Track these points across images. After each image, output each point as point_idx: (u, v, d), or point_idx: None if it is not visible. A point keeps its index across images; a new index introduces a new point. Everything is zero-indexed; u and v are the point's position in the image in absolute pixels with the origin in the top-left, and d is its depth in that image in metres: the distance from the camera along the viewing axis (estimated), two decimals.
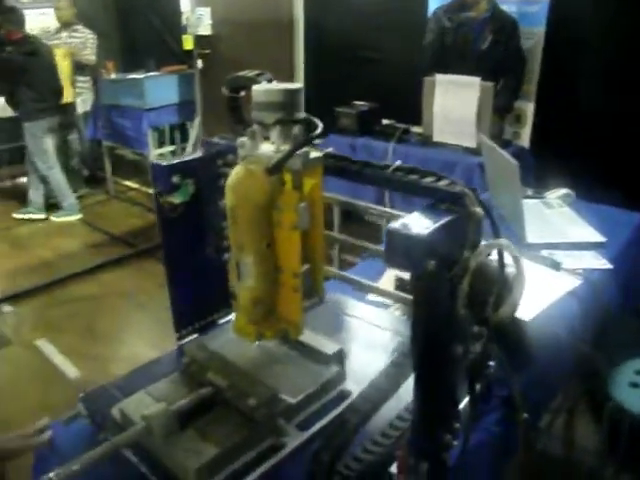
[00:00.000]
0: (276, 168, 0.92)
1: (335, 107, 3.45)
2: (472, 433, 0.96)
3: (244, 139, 1.00)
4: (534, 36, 3.50)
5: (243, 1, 4.38)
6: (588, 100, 3.25)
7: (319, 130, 0.93)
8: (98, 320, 3.43)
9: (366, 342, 1.22)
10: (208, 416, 0.96)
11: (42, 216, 4.69)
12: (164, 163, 1.17)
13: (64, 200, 4.68)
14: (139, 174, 5.43)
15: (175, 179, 1.18)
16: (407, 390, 0.90)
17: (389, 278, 1.70)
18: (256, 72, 1.09)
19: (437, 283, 0.79)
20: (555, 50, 3.43)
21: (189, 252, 1.27)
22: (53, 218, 4.69)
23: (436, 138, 3.24)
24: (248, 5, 4.31)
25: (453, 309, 0.85)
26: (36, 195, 4.69)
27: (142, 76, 4.78)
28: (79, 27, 4.95)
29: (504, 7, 3.37)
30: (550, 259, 1.63)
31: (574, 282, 1.51)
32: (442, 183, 0.91)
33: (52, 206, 4.87)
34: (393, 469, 0.91)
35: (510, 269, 0.88)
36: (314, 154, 0.98)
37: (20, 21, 4.41)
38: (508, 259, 0.89)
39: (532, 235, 1.80)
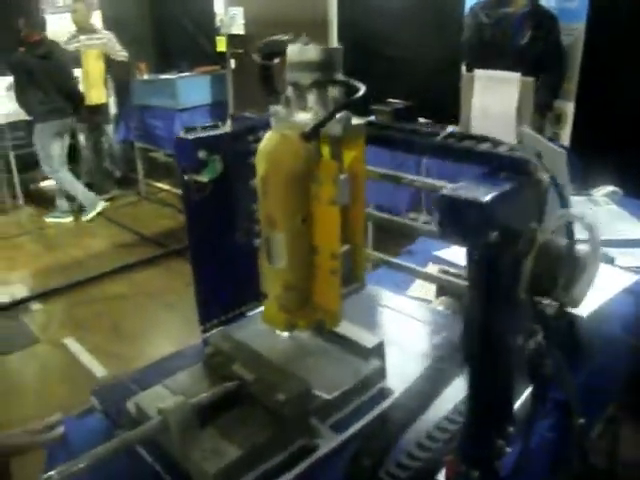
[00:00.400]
0: (313, 132, 0.81)
1: (370, 105, 3.33)
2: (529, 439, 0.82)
3: (277, 107, 0.88)
4: (574, 32, 3.32)
5: (276, 1, 4.31)
6: (630, 97, 3.05)
7: (361, 92, 0.81)
8: (126, 319, 3.36)
9: (407, 337, 1.09)
10: (231, 413, 0.85)
11: (68, 219, 4.67)
12: (189, 137, 1.05)
13: (84, 200, 4.65)
14: (171, 176, 5.39)
15: (201, 154, 1.07)
16: (455, 390, 0.78)
17: (435, 270, 1.57)
18: (291, 35, 0.97)
19: (498, 259, 0.67)
20: (596, 46, 3.26)
21: (217, 237, 1.16)
22: (84, 219, 4.66)
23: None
24: (281, 4, 4.24)
25: (514, 291, 0.71)
26: (60, 199, 4.68)
27: (175, 76, 4.74)
28: (96, 29, 4.94)
29: (543, 2, 3.19)
30: (603, 254, 1.48)
31: (630, 279, 1.40)
32: (502, 149, 0.78)
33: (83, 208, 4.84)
34: (440, 477, 0.79)
35: (581, 246, 0.74)
36: (356, 121, 0.86)
37: (39, 24, 4.41)
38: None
39: (581, 232, 1.64)
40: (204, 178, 1.11)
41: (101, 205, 4.68)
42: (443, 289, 1.33)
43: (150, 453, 0.83)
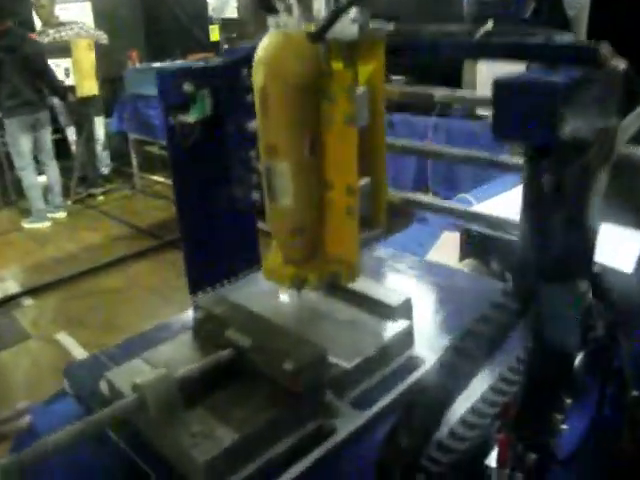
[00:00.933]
0: (323, 31, 0.62)
1: None
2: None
3: (277, 17, 0.70)
4: (578, 4, 3.14)
5: None
6: (637, 69, 2.90)
7: None
8: (120, 313, 3.18)
9: (435, 301, 0.90)
10: (226, 388, 0.68)
11: (46, 224, 4.46)
12: (171, 69, 0.86)
13: (33, 205, 4.43)
14: (166, 168, 5.20)
15: (187, 87, 0.88)
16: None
17: (445, 243, 1.40)
18: None
19: (566, 167, 0.48)
20: (601, 18, 3.07)
21: (207, 193, 0.97)
22: (24, 224, 4.45)
23: (479, 112, 2.89)
24: None
25: (583, 214, 0.53)
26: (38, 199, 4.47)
27: (168, 64, 4.55)
28: (62, 21, 4.73)
29: None
30: None
31: None
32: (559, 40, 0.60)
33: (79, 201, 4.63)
34: (490, 461, 0.61)
35: None
36: (374, 25, 0.67)
37: (5, 13, 4.07)
38: None
39: None
40: (191, 118, 0.92)
41: (46, 224, 4.43)
42: (468, 251, 1.15)
43: (126, 439, 0.64)
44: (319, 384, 0.66)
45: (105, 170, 5.01)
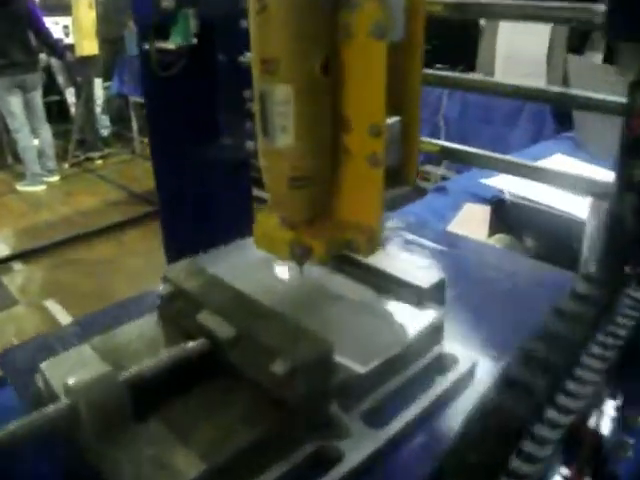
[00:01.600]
0: None
1: None
2: None
3: None
4: None
5: None
6: None
7: None
8: (113, 281, 3.01)
9: (465, 282, 0.72)
10: (195, 394, 0.49)
11: (40, 187, 4.25)
12: None
13: (27, 169, 4.22)
14: None
15: (166, 3, 0.67)
16: None
17: (468, 216, 1.23)
18: None
19: None
20: None
21: (190, 142, 0.77)
22: (18, 187, 4.25)
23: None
24: None
25: None
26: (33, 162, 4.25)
27: None
28: None
29: None
30: None
31: None
32: None
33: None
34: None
35: None
36: None
37: None
38: None
39: None
40: (171, 44, 0.71)
41: (41, 188, 4.22)
42: (499, 225, 0.97)
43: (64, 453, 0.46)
44: (321, 392, 0.48)
45: (104, 132, 4.81)
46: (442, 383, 0.56)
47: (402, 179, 0.55)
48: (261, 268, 0.65)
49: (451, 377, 0.57)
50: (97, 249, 3.41)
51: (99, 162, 4.71)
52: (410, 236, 0.90)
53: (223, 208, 0.81)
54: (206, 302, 0.54)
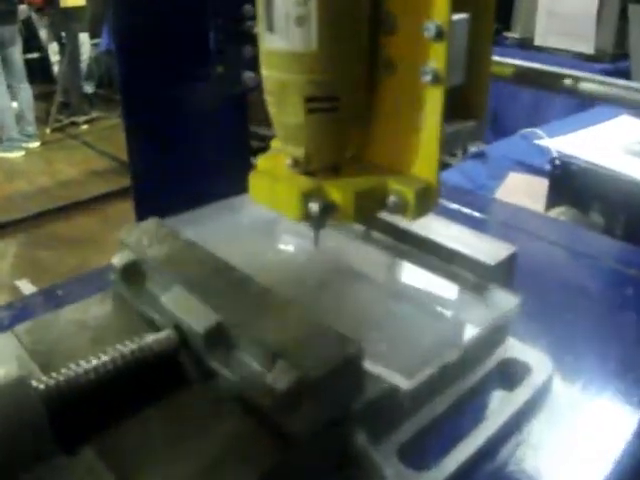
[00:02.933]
0: None
1: None
2: None
3: None
4: None
5: None
6: None
7: None
8: (93, 259, 2.88)
9: (527, 261, 0.59)
10: (153, 414, 0.36)
11: (18, 154, 4.12)
12: None
13: (4, 133, 4.07)
14: None
15: None
16: None
17: (513, 188, 1.12)
18: None
19: None
20: None
21: (170, 75, 0.67)
22: None
23: (538, 41, 2.71)
24: None
25: None
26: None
27: None
28: None
29: None
30: None
31: None
32: None
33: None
34: None
35: None
36: None
37: None
38: None
39: None
40: None
41: (18, 154, 4.10)
42: (560, 197, 0.85)
43: None
44: (341, 417, 0.35)
45: (89, 89, 4.68)
46: (510, 402, 0.44)
47: (467, 108, 0.42)
48: (258, 233, 0.54)
49: (522, 394, 0.44)
50: (79, 224, 3.30)
51: (84, 127, 4.57)
52: (451, 204, 0.78)
53: (211, 148, 0.69)
54: (177, 278, 0.42)
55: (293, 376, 0.33)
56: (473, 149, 1.42)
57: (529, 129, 1.40)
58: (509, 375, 0.46)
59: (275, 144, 0.47)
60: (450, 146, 0.42)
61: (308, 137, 0.42)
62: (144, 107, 0.69)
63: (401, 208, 0.42)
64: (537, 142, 1.25)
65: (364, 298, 0.49)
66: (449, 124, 0.41)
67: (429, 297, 0.48)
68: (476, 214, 0.77)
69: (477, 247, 0.48)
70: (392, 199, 0.42)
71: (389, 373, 0.38)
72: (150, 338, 0.39)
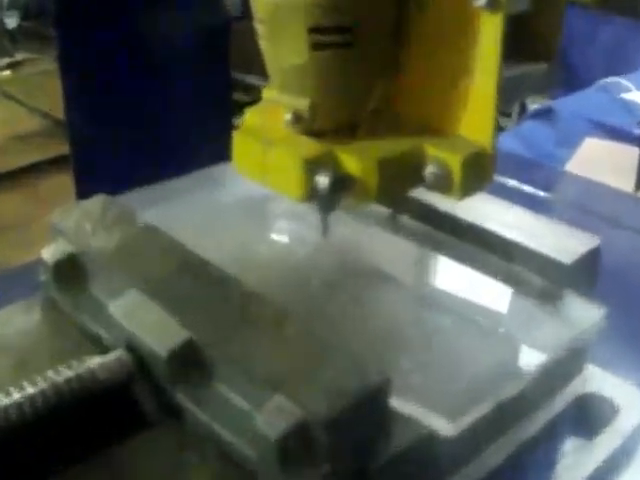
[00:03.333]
0: None
1: None
2: None
3: None
4: None
5: None
6: None
7: None
8: (17, 252, 2.91)
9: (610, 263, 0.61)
10: (95, 468, 0.37)
11: None
12: None
13: None
14: None
15: None
16: None
17: (589, 156, 1.16)
18: None
19: None
20: None
21: (119, 9, 0.65)
22: None
23: None
24: None
25: None
26: None
27: None
28: None
29: None
30: None
31: None
32: None
33: None
34: None
35: None
36: None
37: None
38: None
39: None
40: None
41: None
42: None
43: None
44: (357, 475, 0.35)
45: (11, 22, 4.73)
46: (591, 455, 0.45)
47: (534, 46, 0.44)
48: (244, 217, 0.56)
49: (607, 443, 0.45)
50: (2, 203, 3.31)
51: (5, 73, 4.62)
52: (508, 180, 0.80)
53: (184, 115, 0.70)
54: (132, 278, 0.43)
55: (292, 418, 0.33)
56: (534, 106, 1.44)
57: (611, 79, 1.41)
58: (589, 417, 0.48)
59: (268, 94, 0.47)
60: (511, 98, 0.42)
61: (314, 83, 0.42)
62: (87, 44, 0.70)
63: (443, 183, 0.42)
64: (623, 96, 1.25)
65: (390, 309, 0.50)
66: (509, 67, 0.42)
67: (479, 308, 0.49)
68: (540, 193, 0.78)
69: (547, 239, 0.49)
70: (430, 170, 0.42)
71: (425, 413, 0.39)
72: (93, 362, 0.39)
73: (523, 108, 1.60)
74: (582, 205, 0.79)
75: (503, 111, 1.42)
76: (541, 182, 0.80)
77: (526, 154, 1.15)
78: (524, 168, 0.86)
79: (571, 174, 0.99)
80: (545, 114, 1.32)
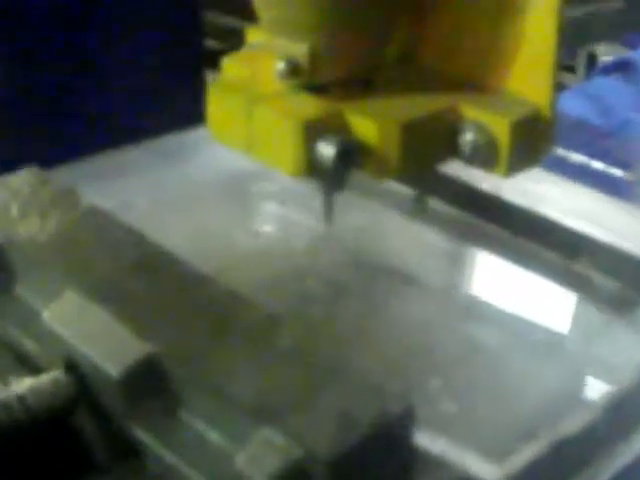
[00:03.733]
0: None
1: None
2: None
3: None
4: None
5: None
6: None
7: None
8: None
9: None
10: None
11: None
12: None
13: None
14: None
15: None
16: None
17: None
18: None
19: None
20: None
21: None
22: None
23: None
24: None
25: None
26: None
27: None
28: None
29: None
30: None
31: None
32: None
33: None
34: None
35: None
36: None
37: None
38: None
39: None
40: None
41: None
42: None
43: None
44: None
45: None
46: None
47: None
48: (222, 198, 0.58)
49: None
50: None
51: None
52: (571, 154, 0.82)
53: (143, 67, 0.73)
54: (72, 276, 0.45)
55: (285, 456, 0.34)
56: (607, 57, 1.45)
57: None
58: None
59: (254, 36, 0.49)
60: (575, 45, 0.43)
61: (314, 21, 0.43)
62: None
63: (485, 155, 0.44)
64: None
65: (415, 319, 0.51)
66: (573, 5, 0.43)
67: (532, 320, 0.51)
68: (615, 172, 0.80)
69: (621, 228, 0.51)
70: (468, 138, 0.44)
71: (462, 454, 0.40)
72: (22, 386, 0.41)
73: (592, 60, 1.62)
74: None
75: (565, 63, 1.43)
76: (615, 157, 0.83)
77: (597, 121, 1.16)
78: (594, 138, 0.91)
79: None
80: (622, 67, 1.32)
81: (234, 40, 0.52)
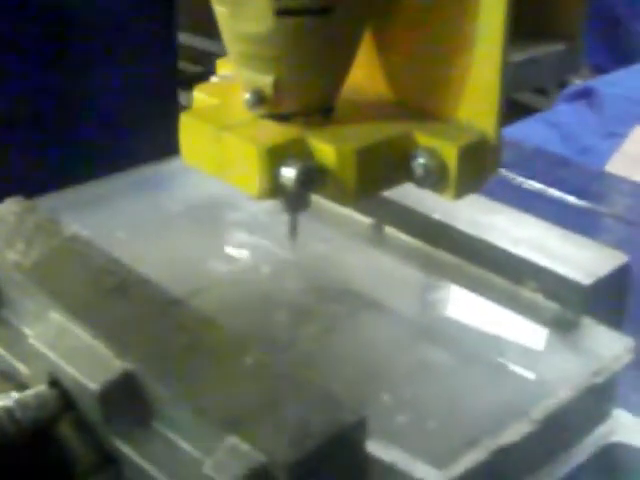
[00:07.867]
0: None
1: None
2: None
3: None
4: None
5: None
6: None
7: None
8: None
9: None
10: None
11: None
12: None
13: None
14: None
15: None
16: None
17: None
18: None
19: None
20: None
21: None
22: None
23: None
24: None
25: None
26: None
27: None
28: None
29: None
30: None
31: None
32: None
33: None
34: None
35: None
36: None
37: None
38: None
39: None
40: None
41: None
42: None
43: None
44: None
45: None
46: None
47: (550, 22, 0.48)
48: (194, 224, 0.60)
49: None
50: None
51: None
52: (528, 181, 0.83)
53: (119, 93, 0.74)
54: (55, 299, 0.48)
55: (248, 462, 0.37)
56: (578, 81, 1.46)
57: None
58: (617, 472, 0.53)
59: (223, 68, 0.52)
60: (521, 82, 0.46)
61: (279, 56, 0.46)
62: None
63: (435, 178, 0.46)
64: None
65: (370, 338, 0.54)
66: (518, 48, 0.46)
67: (478, 338, 0.53)
68: (570, 199, 0.81)
69: (564, 255, 0.53)
70: (420, 162, 0.45)
71: (410, 460, 0.42)
72: (8, 401, 0.43)
73: (562, 84, 1.63)
74: (626, 216, 0.83)
75: (530, 87, 1.45)
76: (573, 184, 0.83)
77: (559, 148, 1.16)
78: (553, 166, 0.91)
79: (613, 175, 1.02)
80: (584, 95, 1.34)
81: (206, 63, 0.54)
